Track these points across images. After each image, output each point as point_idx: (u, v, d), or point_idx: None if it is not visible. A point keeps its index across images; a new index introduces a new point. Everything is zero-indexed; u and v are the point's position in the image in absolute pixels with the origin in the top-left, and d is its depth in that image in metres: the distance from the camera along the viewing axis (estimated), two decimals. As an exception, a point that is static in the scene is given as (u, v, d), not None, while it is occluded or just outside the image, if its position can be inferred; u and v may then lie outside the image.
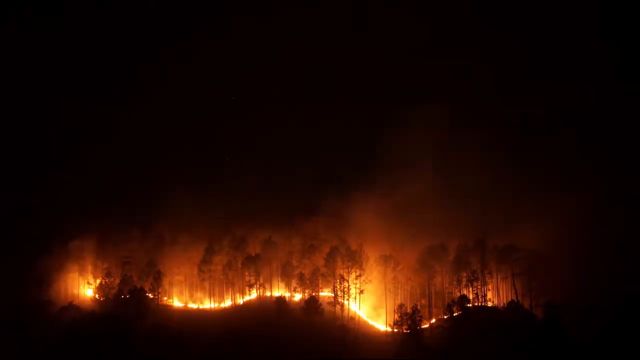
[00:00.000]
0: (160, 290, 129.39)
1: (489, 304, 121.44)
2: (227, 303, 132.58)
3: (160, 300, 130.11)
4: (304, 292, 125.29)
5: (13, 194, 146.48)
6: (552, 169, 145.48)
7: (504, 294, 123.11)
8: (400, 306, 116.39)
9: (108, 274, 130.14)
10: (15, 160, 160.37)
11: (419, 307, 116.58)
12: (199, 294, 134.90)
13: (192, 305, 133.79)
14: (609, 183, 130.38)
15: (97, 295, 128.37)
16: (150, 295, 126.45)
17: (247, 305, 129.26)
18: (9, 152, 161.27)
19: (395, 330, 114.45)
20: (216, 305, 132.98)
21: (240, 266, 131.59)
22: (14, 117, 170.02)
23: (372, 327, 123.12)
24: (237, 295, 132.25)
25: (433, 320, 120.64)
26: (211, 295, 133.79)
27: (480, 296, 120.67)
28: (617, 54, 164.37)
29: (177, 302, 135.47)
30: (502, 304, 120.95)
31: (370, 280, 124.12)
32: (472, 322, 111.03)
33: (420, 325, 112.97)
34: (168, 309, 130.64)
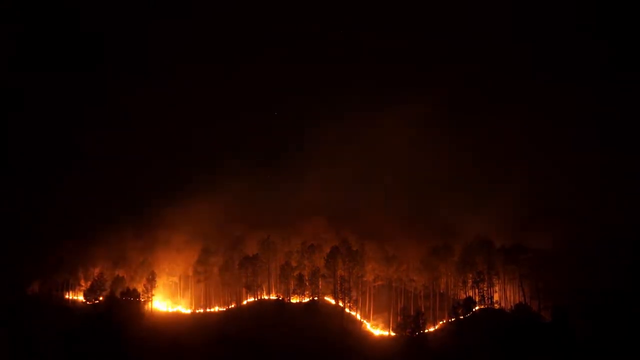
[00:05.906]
0: (154, 292, 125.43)
1: (496, 306, 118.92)
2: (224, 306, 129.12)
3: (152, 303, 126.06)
4: (303, 294, 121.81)
5: (10, 194, 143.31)
6: (556, 169, 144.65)
7: (511, 296, 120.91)
8: (404, 309, 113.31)
9: (100, 275, 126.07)
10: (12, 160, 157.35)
11: (422, 310, 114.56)
12: (193, 296, 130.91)
13: (182, 309, 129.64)
14: (614, 183, 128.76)
15: (85, 299, 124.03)
16: (143, 299, 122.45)
17: (244, 307, 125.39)
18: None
19: (398, 334, 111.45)
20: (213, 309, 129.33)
21: (237, 267, 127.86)
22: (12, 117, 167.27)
23: (373, 330, 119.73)
24: (234, 297, 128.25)
25: (444, 321, 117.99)
26: (207, 297, 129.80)
27: (486, 298, 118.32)
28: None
29: (171, 305, 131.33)
30: (509, 306, 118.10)
31: (371, 281, 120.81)
32: (478, 325, 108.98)
33: (424, 328, 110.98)
34: (162, 311, 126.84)
